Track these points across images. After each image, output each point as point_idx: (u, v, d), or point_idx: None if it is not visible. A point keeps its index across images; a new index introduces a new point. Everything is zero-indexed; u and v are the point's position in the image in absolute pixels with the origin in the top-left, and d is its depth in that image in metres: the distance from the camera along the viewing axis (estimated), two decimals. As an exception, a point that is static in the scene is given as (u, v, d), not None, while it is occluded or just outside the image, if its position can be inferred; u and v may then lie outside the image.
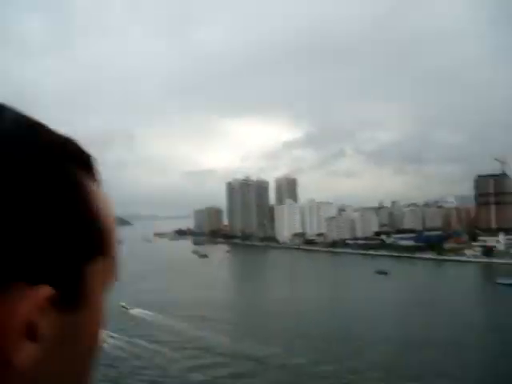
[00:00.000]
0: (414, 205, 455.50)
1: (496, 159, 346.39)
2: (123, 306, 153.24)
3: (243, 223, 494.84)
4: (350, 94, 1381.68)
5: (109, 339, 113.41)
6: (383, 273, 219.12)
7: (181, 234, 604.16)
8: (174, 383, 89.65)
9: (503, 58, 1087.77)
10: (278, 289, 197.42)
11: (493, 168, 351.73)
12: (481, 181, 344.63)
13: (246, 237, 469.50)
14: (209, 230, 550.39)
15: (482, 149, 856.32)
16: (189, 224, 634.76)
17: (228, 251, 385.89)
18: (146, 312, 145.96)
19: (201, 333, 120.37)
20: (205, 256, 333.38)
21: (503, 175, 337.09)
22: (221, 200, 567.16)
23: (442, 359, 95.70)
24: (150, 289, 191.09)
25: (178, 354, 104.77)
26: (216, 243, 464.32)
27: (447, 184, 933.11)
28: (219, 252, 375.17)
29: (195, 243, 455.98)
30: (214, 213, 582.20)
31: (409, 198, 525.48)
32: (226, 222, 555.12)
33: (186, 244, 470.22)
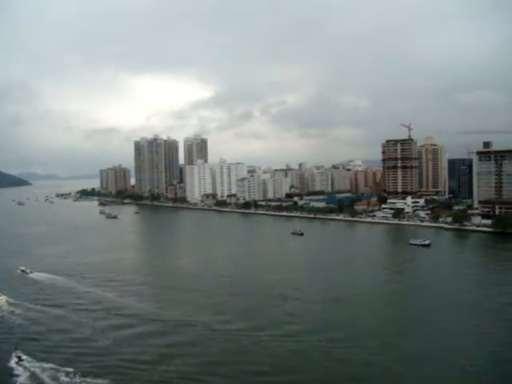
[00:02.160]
0: (321, 167, 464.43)
1: (402, 125, 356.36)
2: (23, 271, 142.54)
3: (152, 184, 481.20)
4: (261, 55, 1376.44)
5: (7, 304, 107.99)
6: (299, 234, 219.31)
7: (86, 194, 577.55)
8: (80, 347, 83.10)
9: (417, 29, 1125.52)
10: (192, 249, 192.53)
11: (397, 133, 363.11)
12: (388, 145, 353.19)
13: (154, 197, 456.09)
14: (115, 191, 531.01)
15: (386, 114, 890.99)
16: (94, 184, 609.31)
17: (137, 212, 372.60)
18: (51, 276, 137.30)
19: (109, 295, 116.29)
20: (114, 217, 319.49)
21: (409, 140, 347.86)
22: (127, 159, 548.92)
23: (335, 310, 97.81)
24: (56, 252, 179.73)
25: (79, 316, 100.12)
26: (123, 204, 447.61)
27: (352, 147, 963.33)
28: (128, 213, 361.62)
29: (102, 204, 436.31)
30: (121, 173, 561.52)
31: (315, 161, 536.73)
32: (133, 182, 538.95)
33: (92, 205, 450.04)
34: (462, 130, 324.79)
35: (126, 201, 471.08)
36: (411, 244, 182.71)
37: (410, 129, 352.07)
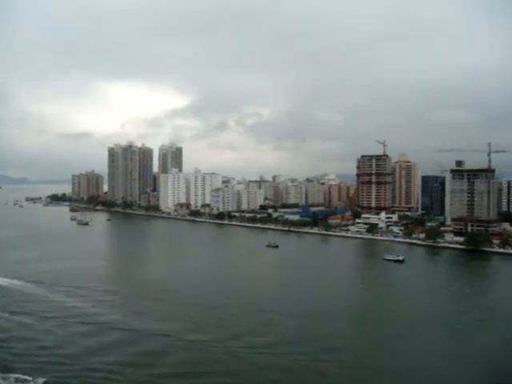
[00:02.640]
0: (295, 180, 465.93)
1: (377, 141, 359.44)
2: None
3: (125, 191, 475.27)
4: (237, 67, 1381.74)
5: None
6: (274, 246, 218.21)
7: (57, 199, 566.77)
8: (47, 356, 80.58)
9: (391, 47, 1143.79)
10: (165, 259, 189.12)
11: (370, 149, 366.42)
12: (363, 161, 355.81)
13: (127, 205, 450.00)
14: (87, 197, 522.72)
15: (359, 130, 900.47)
16: (65, 189, 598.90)
17: (109, 219, 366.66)
18: (18, 282, 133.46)
19: (74, 303, 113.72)
20: (85, 224, 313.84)
21: (384, 157, 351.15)
22: (100, 165, 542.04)
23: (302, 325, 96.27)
24: (24, 258, 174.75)
25: (47, 324, 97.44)
26: (95, 210, 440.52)
27: (326, 161, 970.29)
28: (99, 220, 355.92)
29: (73, 210, 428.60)
30: (93, 179, 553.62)
31: (289, 173, 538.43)
32: (106, 188, 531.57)
33: (63, 210, 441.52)
34: (436, 148, 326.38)
35: (98, 207, 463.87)
36: (385, 259, 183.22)
37: (384, 145, 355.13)
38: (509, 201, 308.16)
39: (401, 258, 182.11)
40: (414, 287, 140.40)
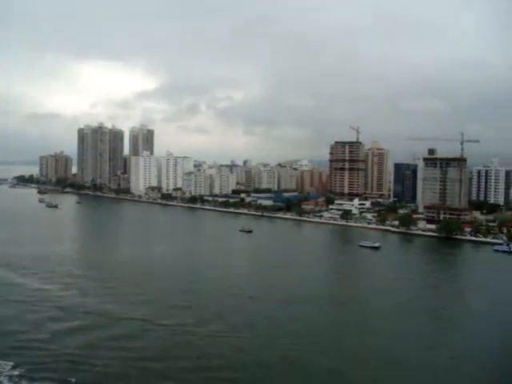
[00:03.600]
0: (267, 165, 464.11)
1: (351, 127, 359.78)
2: None
3: (95, 173, 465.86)
4: (210, 51, 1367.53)
5: None
6: (248, 231, 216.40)
7: (23, 181, 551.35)
8: (18, 341, 77.70)
9: (366, 36, 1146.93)
10: (136, 244, 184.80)
11: (341, 135, 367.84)
12: (337, 147, 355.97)
13: (97, 188, 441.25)
14: (56, 179, 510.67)
15: (330, 116, 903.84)
16: (32, 171, 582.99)
17: (78, 202, 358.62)
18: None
19: (44, 287, 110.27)
20: (54, 206, 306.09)
21: (358, 143, 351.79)
22: (69, 147, 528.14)
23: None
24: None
25: (15, 309, 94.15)
26: (64, 193, 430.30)
27: (296, 147, 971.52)
28: (69, 202, 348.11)
29: (41, 192, 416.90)
30: (62, 160, 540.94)
31: (259, 158, 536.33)
32: (74, 170, 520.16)
33: (31, 192, 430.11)
34: (408, 136, 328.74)
35: (67, 190, 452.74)
36: (361, 246, 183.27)
37: (358, 132, 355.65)
38: (479, 190, 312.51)
39: (377, 244, 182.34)
40: (390, 274, 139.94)
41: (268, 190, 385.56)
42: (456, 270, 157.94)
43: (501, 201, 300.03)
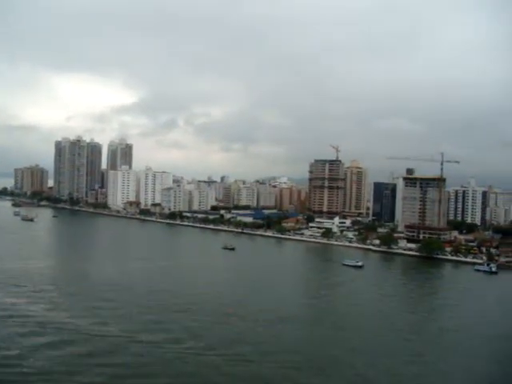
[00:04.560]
0: (244, 182, 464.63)
1: (331, 146, 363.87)
2: None
3: (71, 187, 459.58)
4: (190, 67, 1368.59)
5: None
6: (230, 248, 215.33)
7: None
8: None
9: (341, 57, 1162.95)
10: (115, 260, 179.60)
11: (318, 153, 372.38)
12: (316, 165, 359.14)
13: (74, 202, 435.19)
14: (31, 192, 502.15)
15: (307, 135, 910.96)
16: (6, 184, 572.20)
17: (55, 216, 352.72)
18: None
19: (15, 302, 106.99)
20: (30, 220, 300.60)
21: (338, 162, 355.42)
22: (45, 160, 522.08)
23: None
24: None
25: None
26: (39, 206, 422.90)
27: (273, 164, 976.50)
28: (45, 216, 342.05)
29: (16, 205, 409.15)
30: (38, 173, 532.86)
31: (235, 175, 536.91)
32: (51, 183, 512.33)
33: (5, 205, 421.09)
34: (390, 156, 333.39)
35: (43, 203, 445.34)
36: (345, 265, 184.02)
37: (337, 150, 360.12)
38: (456, 210, 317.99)
39: (360, 263, 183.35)
40: (375, 293, 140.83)
41: (247, 207, 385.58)
42: (440, 289, 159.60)
43: (477, 221, 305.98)
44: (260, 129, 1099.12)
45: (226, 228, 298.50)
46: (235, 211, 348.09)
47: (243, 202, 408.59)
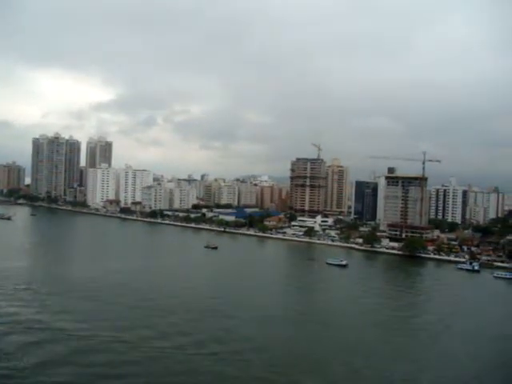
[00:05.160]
0: (224, 180, 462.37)
1: (313, 144, 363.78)
2: None
3: (49, 185, 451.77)
4: (170, 64, 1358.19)
5: None
6: (213, 247, 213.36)
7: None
8: None
9: (319, 55, 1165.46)
10: (97, 259, 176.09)
11: (298, 151, 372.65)
12: (298, 163, 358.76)
13: (52, 200, 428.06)
14: (7, 190, 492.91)
15: (287, 132, 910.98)
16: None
17: (33, 214, 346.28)
18: None
19: None
20: (7, 218, 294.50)
21: (319, 160, 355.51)
22: (20, 157, 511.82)
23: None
24: None
25: None
26: (16, 204, 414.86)
27: (253, 162, 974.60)
28: (23, 214, 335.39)
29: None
30: (15, 171, 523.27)
31: (215, 173, 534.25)
32: (28, 181, 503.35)
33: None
34: (371, 155, 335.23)
35: (20, 201, 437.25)
36: (329, 264, 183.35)
37: (319, 149, 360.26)
38: (437, 208, 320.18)
39: (344, 262, 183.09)
40: (359, 291, 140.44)
41: (229, 206, 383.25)
42: (424, 288, 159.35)
43: (458, 219, 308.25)
44: (240, 127, 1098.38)
45: (207, 227, 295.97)
46: (217, 210, 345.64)
47: (224, 201, 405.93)
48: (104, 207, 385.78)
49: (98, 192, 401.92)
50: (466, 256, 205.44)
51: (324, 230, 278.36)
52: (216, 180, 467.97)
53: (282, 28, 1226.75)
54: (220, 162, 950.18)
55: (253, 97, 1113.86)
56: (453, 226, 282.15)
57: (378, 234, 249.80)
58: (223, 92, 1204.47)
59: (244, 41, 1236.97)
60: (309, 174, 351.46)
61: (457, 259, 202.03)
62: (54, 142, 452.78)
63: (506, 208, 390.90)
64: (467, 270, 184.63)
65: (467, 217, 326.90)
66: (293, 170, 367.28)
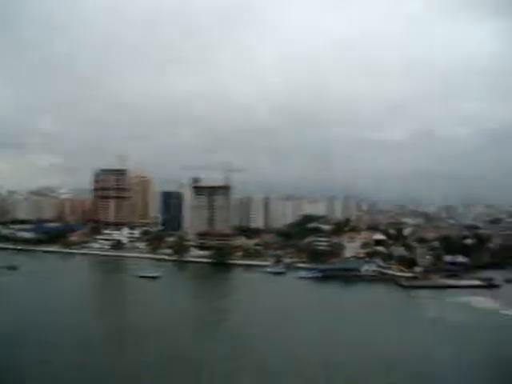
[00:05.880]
0: (15, 192, 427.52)
1: (118, 156, 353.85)
2: None
3: None
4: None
5: None
6: (13, 268, 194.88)
7: None
8: None
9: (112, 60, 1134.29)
10: None
11: (93, 161, 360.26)
12: (101, 175, 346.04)
13: None
14: None
15: (81, 142, 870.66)
16: None
17: None
18: None
19: None
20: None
21: (123, 171, 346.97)
22: None
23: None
24: None
25: None
26: None
27: (49, 173, 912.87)
28: None
29: None
30: None
31: (8, 185, 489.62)
32: None
33: None
34: (182, 166, 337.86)
35: None
36: (141, 276, 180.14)
37: (123, 160, 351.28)
38: (242, 216, 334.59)
39: (155, 274, 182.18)
40: (170, 302, 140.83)
41: (26, 221, 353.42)
42: (233, 291, 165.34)
43: (261, 225, 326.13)
44: (31, 136, 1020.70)
45: (1, 245, 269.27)
46: (13, 226, 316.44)
47: (21, 216, 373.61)
48: None
49: None
50: (272, 260, 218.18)
51: (131, 242, 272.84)
52: (8, 192, 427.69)
53: (61, 29, 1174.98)
54: (10, 174, 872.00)
55: (49, 105, 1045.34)
56: (257, 232, 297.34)
57: (187, 243, 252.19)
58: (10, 98, 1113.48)
59: (38, 47, 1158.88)
60: (113, 186, 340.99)
61: (264, 263, 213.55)
62: None
63: (301, 213, 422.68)
64: (274, 272, 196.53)
65: (269, 223, 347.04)
66: (96, 182, 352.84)
